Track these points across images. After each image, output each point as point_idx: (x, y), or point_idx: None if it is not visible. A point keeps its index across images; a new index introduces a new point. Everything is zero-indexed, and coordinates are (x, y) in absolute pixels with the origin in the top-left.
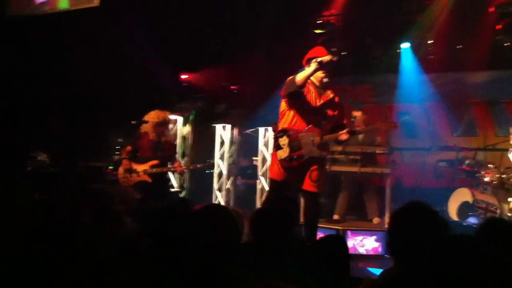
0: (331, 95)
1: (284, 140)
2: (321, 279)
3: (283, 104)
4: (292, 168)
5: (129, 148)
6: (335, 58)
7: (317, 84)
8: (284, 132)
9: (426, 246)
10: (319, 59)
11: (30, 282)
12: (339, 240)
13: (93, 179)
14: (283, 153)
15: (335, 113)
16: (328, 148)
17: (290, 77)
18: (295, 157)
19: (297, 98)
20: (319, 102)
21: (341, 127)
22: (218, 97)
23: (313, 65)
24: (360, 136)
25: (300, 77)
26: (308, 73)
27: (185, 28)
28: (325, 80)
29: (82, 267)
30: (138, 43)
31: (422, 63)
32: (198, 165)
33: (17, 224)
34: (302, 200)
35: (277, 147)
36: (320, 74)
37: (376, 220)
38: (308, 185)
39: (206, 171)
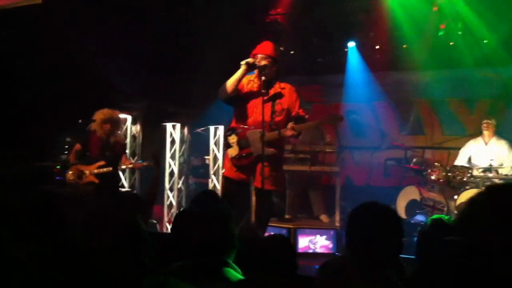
0: (279, 89)
1: (233, 139)
2: (266, 278)
3: None
4: (243, 166)
5: (78, 146)
6: (257, 61)
7: (265, 79)
8: (232, 130)
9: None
10: (243, 62)
11: None
12: (283, 240)
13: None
14: (233, 151)
15: (285, 107)
16: (279, 145)
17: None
18: (244, 155)
19: (237, 98)
20: (266, 98)
21: (299, 121)
22: (167, 96)
23: (241, 68)
24: (309, 135)
25: (229, 82)
26: (237, 77)
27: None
28: (270, 75)
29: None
30: (85, 41)
31: (368, 62)
32: (145, 163)
33: None
34: (254, 198)
35: (226, 145)
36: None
37: (324, 217)
38: (258, 182)
39: None
